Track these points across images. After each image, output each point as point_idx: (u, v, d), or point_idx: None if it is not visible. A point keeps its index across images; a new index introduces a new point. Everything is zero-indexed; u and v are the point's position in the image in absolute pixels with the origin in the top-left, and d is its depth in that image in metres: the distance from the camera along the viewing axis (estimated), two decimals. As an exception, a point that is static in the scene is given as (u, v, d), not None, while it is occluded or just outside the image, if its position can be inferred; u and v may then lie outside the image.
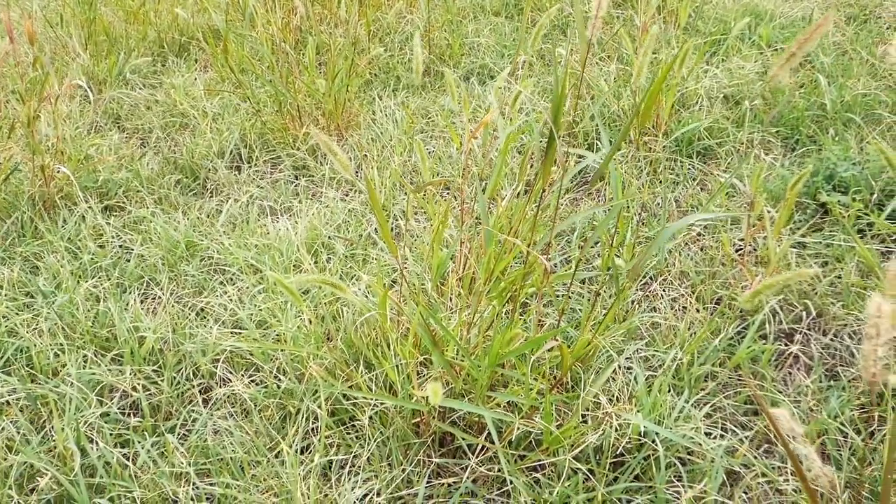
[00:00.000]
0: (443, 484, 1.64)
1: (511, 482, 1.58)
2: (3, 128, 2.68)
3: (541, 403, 1.60)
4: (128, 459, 1.68)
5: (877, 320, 0.75)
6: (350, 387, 1.78)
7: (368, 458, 1.67)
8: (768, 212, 2.19)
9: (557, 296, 2.11)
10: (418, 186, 2.02)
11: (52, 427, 1.73)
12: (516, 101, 1.69)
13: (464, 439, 1.66)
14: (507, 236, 1.66)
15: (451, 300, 1.99)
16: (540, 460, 1.62)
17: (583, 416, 1.69)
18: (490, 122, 1.89)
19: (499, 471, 1.64)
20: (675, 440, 1.62)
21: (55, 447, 1.69)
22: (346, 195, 2.68)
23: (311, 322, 1.98)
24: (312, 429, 1.76)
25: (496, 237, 1.68)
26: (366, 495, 1.62)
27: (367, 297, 2.08)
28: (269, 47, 3.18)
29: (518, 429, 1.63)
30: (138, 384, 1.86)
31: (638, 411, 1.68)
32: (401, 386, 1.70)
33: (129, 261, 2.31)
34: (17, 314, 2.07)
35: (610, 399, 1.75)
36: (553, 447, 1.61)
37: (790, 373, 1.90)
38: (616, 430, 1.63)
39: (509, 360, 1.76)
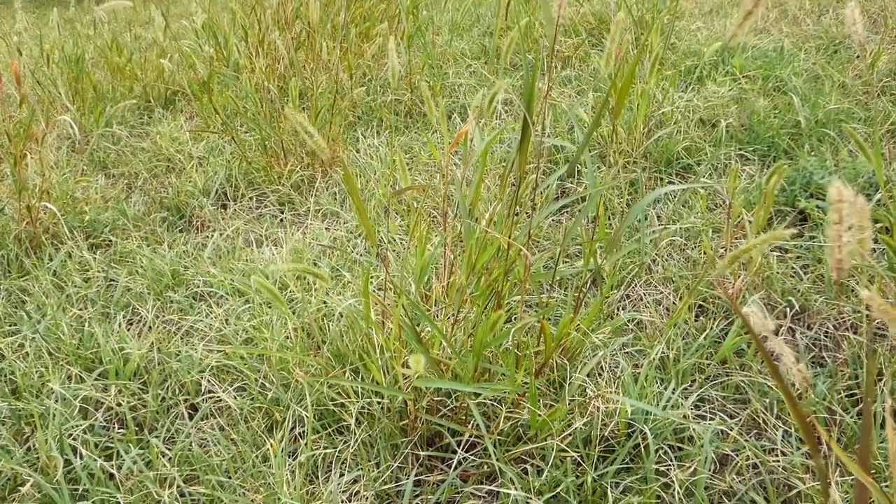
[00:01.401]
0: (430, 482, 1.62)
1: (500, 470, 1.56)
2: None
3: (527, 389, 1.60)
4: (112, 468, 1.66)
5: (839, 205, 0.76)
6: (336, 384, 1.77)
7: (355, 456, 1.65)
8: (749, 222, 2.21)
9: (541, 297, 2.11)
10: (398, 191, 2.04)
11: (36, 441, 1.71)
12: (493, 98, 1.73)
13: (449, 428, 1.65)
14: (488, 229, 1.68)
15: (435, 305, 1.99)
16: (528, 449, 1.60)
17: (570, 402, 1.68)
18: (469, 130, 1.92)
19: (488, 467, 1.62)
20: (661, 417, 1.61)
21: (38, 458, 1.67)
22: (331, 226, 2.70)
23: (297, 335, 1.98)
24: (300, 433, 1.75)
25: (477, 231, 1.69)
26: (353, 492, 1.59)
27: (353, 304, 2.08)
28: (252, 89, 3.24)
29: (506, 420, 1.62)
30: (123, 400, 1.84)
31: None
32: (387, 386, 1.69)
33: (114, 289, 2.31)
34: (1, 339, 2.06)
35: (597, 388, 1.74)
36: (541, 434, 1.60)
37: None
38: (604, 415, 1.62)
39: (494, 357, 1.76)
